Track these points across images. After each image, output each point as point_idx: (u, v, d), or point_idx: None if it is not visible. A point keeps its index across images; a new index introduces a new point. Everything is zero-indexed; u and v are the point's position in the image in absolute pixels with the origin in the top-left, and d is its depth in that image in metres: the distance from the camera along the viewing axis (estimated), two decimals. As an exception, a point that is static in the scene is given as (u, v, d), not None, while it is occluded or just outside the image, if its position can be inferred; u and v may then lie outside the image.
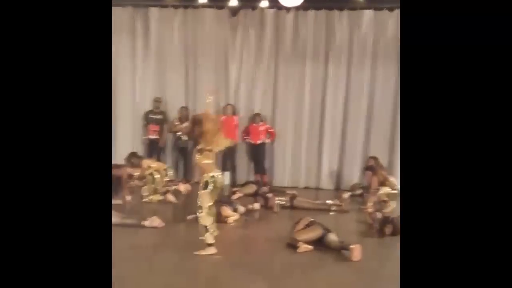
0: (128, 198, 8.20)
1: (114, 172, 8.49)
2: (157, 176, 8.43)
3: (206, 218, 5.41)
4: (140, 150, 10.25)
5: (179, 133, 10.30)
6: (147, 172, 8.43)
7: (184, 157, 10.53)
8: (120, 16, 10.43)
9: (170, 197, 8.36)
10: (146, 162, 8.69)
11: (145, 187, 8.45)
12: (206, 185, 5.42)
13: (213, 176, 5.42)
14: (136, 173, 8.53)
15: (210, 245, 5.49)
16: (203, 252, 5.45)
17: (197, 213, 5.47)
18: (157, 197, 8.37)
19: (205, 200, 5.40)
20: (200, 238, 5.49)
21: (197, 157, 5.49)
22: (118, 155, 10.14)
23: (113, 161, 10.13)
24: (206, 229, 5.44)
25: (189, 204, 7.64)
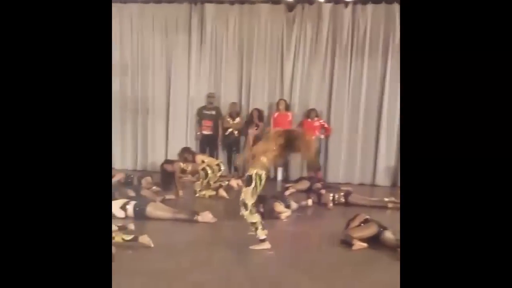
0: (181, 193, 8.24)
1: (167, 167, 8.60)
2: (209, 171, 8.42)
3: (251, 216, 5.32)
4: (193, 145, 10.33)
5: (230, 129, 10.31)
6: (199, 168, 8.44)
7: (235, 152, 10.52)
8: (176, 13, 10.60)
9: (222, 193, 8.33)
10: (199, 158, 8.71)
11: (198, 182, 8.46)
12: (249, 181, 5.32)
13: (257, 174, 5.30)
14: (189, 168, 8.57)
15: (263, 240, 5.40)
16: (257, 247, 5.37)
17: (241, 211, 5.38)
18: (210, 192, 8.36)
19: (248, 197, 5.28)
20: (250, 233, 5.43)
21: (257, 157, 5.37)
22: (172, 151, 10.33)
23: (166, 157, 10.39)
24: (255, 225, 5.37)
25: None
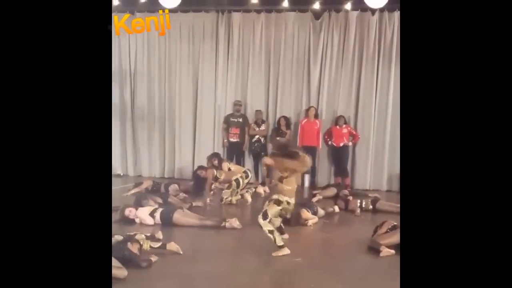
0: (209, 200, 8.29)
1: (200, 173, 8.67)
2: (241, 181, 8.40)
3: (267, 225, 5.36)
4: (221, 153, 10.38)
5: (257, 136, 10.34)
6: (233, 178, 8.45)
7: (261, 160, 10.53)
8: (204, 21, 10.70)
9: (248, 197, 8.38)
10: (225, 165, 8.74)
11: (227, 190, 8.46)
12: (279, 203, 5.41)
13: (288, 202, 5.41)
14: (222, 176, 8.59)
15: (281, 246, 5.42)
16: (279, 253, 5.38)
17: (259, 218, 5.40)
18: (236, 197, 8.39)
19: (271, 212, 5.38)
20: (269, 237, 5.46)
21: (279, 183, 5.45)
22: (199, 158, 10.42)
23: (193, 165, 10.49)
24: (272, 234, 5.38)
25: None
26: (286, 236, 5.78)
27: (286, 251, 5.40)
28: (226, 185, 8.52)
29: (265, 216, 5.34)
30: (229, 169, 8.61)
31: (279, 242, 5.41)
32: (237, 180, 8.37)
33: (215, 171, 8.55)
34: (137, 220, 6.60)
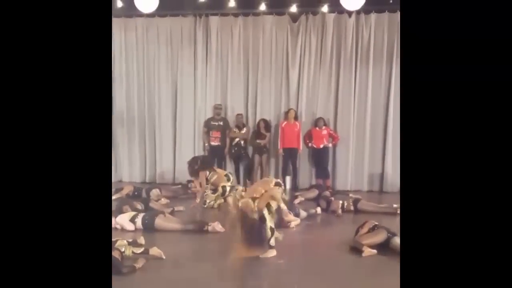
0: (198, 201, 8.35)
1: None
2: (228, 189, 8.41)
3: (272, 221, 5.49)
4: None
5: (237, 139, 10.35)
6: (221, 184, 8.45)
7: (242, 163, 10.56)
8: (182, 25, 10.69)
9: (230, 200, 8.36)
10: (203, 174, 8.69)
11: (212, 195, 8.46)
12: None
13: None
14: (214, 177, 8.57)
15: (272, 247, 5.49)
16: (268, 255, 5.45)
17: (263, 211, 5.49)
18: (219, 200, 8.39)
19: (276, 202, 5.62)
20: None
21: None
22: (180, 163, 10.41)
23: (174, 169, 10.47)
24: (272, 231, 5.50)
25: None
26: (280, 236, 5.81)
27: (273, 252, 5.47)
28: (211, 190, 8.53)
29: (269, 209, 5.51)
30: (213, 173, 8.61)
31: (273, 242, 5.48)
32: (224, 187, 8.38)
33: (207, 173, 8.54)
34: (117, 227, 6.56)
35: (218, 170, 9.00)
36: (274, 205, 5.55)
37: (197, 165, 8.61)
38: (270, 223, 5.45)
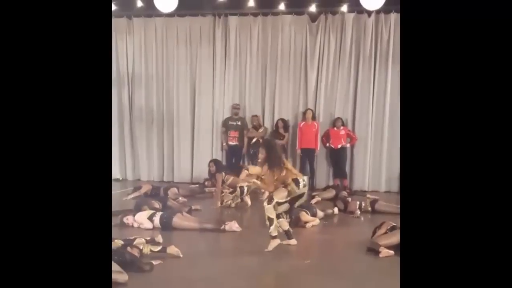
0: (219, 203, 8.38)
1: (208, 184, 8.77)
2: (246, 189, 8.42)
3: (271, 210, 5.47)
4: (219, 156, 10.46)
5: (255, 138, 10.36)
6: (239, 184, 8.48)
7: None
8: (201, 25, 10.73)
9: (247, 200, 8.41)
10: (220, 176, 8.73)
11: (230, 195, 8.50)
12: (286, 186, 5.56)
13: (296, 181, 5.58)
14: (229, 180, 8.62)
15: (274, 237, 5.53)
16: (270, 246, 5.52)
17: (264, 203, 5.59)
18: (236, 200, 8.43)
19: (278, 196, 5.52)
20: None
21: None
22: (198, 162, 10.48)
23: (192, 168, 10.55)
24: (271, 221, 5.48)
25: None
26: (294, 242, 5.81)
27: (277, 242, 5.54)
28: (230, 189, 8.58)
29: (270, 200, 5.48)
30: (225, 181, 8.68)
31: (274, 232, 5.51)
32: (241, 188, 8.40)
33: (224, 174, 8.59)
34: (135, 225, 6.61)
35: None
36: (277, 198, 5.50)
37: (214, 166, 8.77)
38: (268, 213, 5.46)
